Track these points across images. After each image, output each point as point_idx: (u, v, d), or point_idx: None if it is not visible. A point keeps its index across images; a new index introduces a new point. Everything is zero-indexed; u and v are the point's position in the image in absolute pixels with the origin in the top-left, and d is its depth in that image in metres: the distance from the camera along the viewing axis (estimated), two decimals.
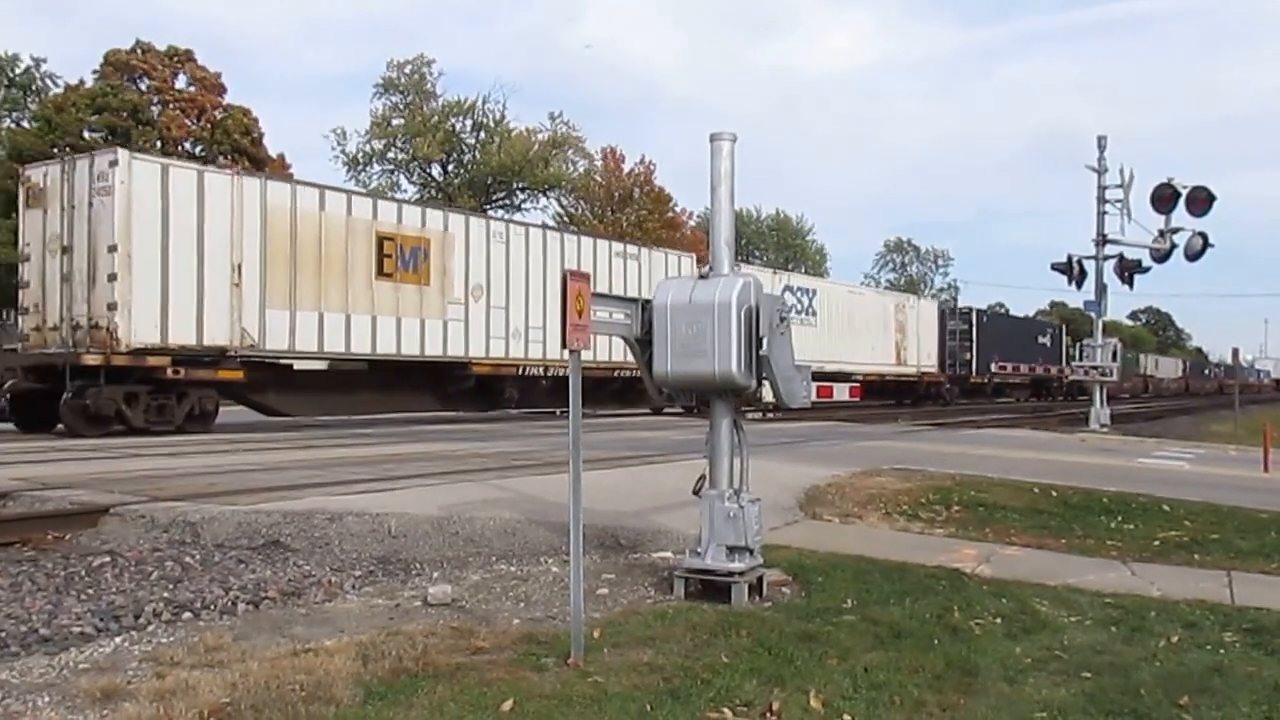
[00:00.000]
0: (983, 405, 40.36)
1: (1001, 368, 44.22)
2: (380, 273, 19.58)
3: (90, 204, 16.38)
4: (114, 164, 16.23)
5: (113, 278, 16.05)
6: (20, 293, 17.57)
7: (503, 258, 22.15)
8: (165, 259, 16.54)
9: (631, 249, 26.91)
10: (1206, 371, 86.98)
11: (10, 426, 17.59)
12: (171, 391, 17.02)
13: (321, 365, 20.05)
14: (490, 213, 27.04)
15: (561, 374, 21.47)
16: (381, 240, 19.72)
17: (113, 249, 16.06)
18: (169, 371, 16.67)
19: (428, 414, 22.39)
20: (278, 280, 17.98)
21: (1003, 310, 70.26)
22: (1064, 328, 54.28)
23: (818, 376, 31.52)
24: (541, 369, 22.67)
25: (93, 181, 16.42)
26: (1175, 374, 75.74)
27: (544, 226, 27.95)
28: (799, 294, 31.13)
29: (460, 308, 21.16)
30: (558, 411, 23.01)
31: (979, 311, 46.39)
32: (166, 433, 16.59)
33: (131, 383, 16.50)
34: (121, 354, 16.08)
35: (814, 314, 32.05)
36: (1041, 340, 48.63)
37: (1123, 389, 55.46)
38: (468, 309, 21.36)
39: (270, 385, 19.00)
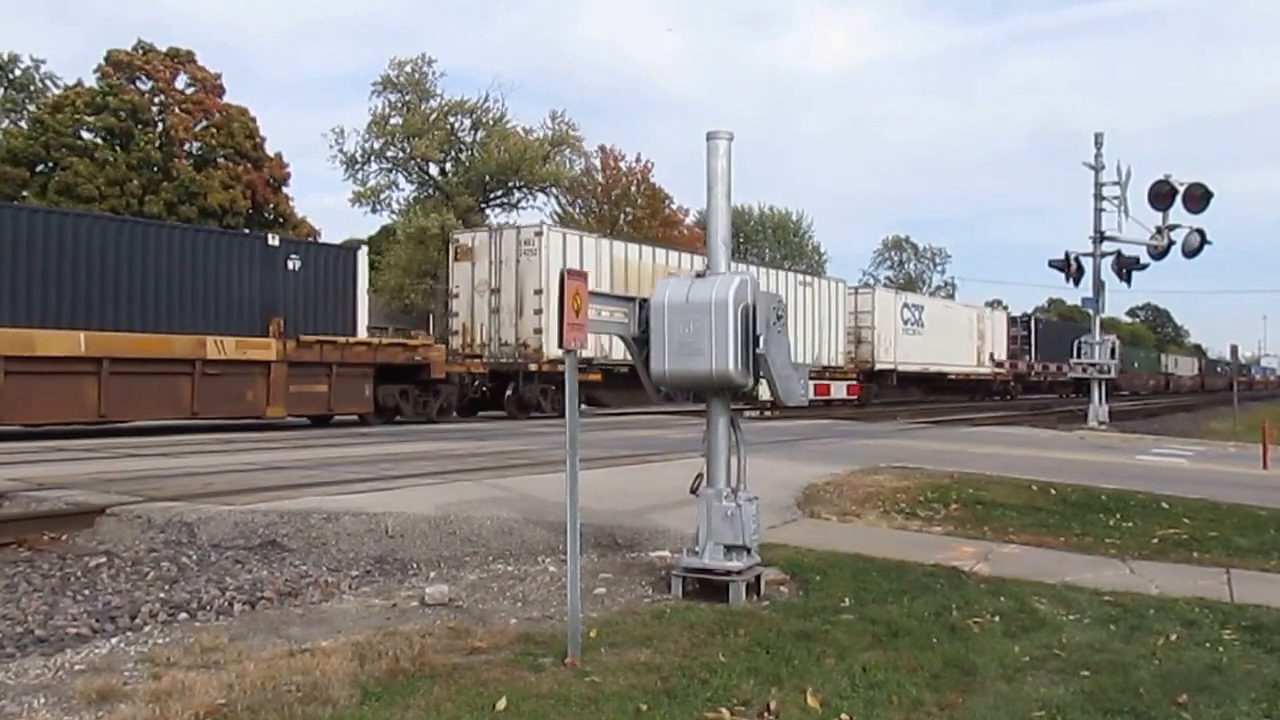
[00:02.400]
0: (1035, 400, 46.10)
1: (1047, 367, 49.96)
2: None
3: (517, 260, 24.50)
4: (539, 233, 24.67)
5: (538, 311, 23.73)
6: (450, 320, 26.15)
7: None
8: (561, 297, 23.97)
9: (808, 278, 34.83)
10: (1219, 369, 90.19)
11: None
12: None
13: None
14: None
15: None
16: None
17: (538, 291, 23.77)
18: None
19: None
20: None
21: (1002, 307, 71.03)
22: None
23: (925, 377, 39.52)
24: None
25: (519, 245, 24.62)
26: (1192, 372, 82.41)
27: (761, 264, 36.48)
28: (912, 309, 38.53)
29: None
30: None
31: (1036, 319, 54.20)
32: (553, 418, 22.77)
33: (544, 383, 24.17)
34: (545, 363, 23.82)
35: (922, 325, 38.77)
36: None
37: (1148, 385, 63.64)
38: None
39: (603, 384, 25.63)
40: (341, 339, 19.76)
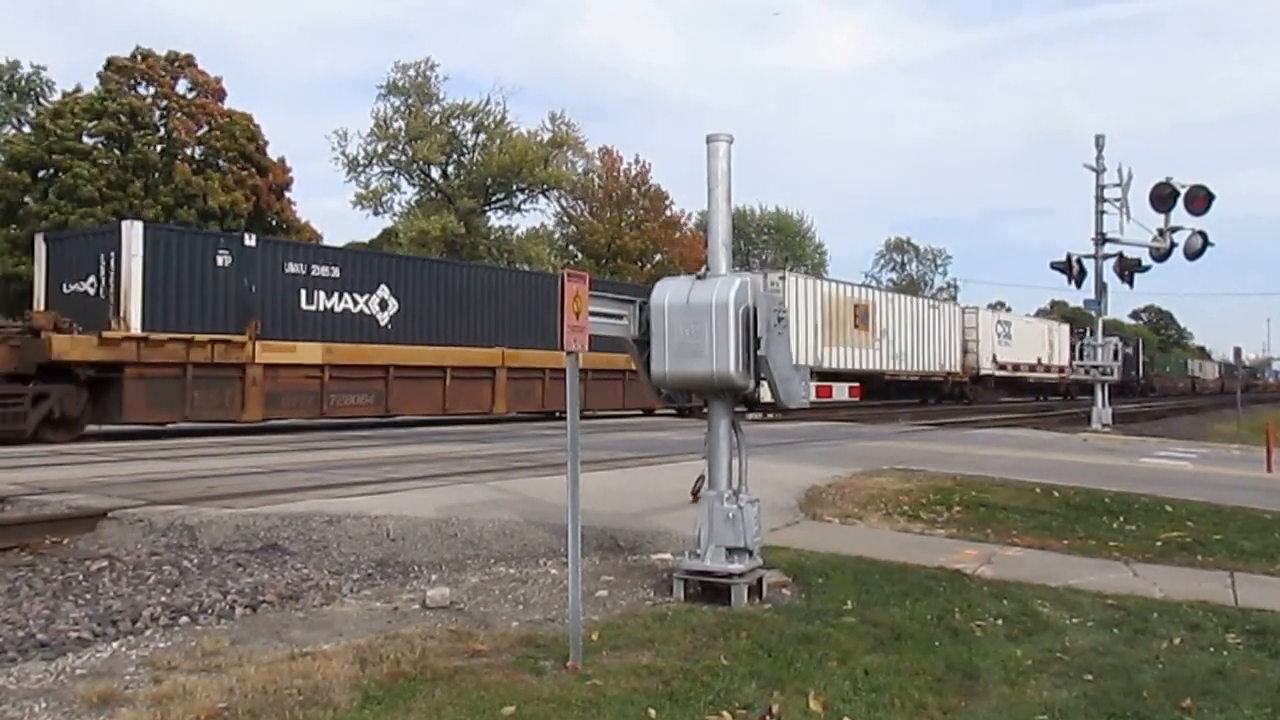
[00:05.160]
0: (1084, 401, 48.63)
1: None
2: (853, 326, 33.55)
3: None
4: (781, 278, 30.67)
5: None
6: None
7: (889, 313, 35.87)
8: (795, 326, 26.79)
9: (935, 303, 43.41)
10: (1237, 372, 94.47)
11: None
12: None
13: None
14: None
15: (914, 379, 38.03)
16: (854, 307, 33.90)
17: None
18: None
19: (429, 415, 22.55)
20: (824, 332, 31.92)
21: (1005, 308, 71.54)
22: (1140, 341, 69.10)
23: (1012, 380, 46.59)
24: (906, 375, 37.42)
25: (765, 286, 28.73)
26: (1214, 375, 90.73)
27: (899, 291, 42.95)
28: (1003, 325, 46.46)
29: (878, 342, 34.98)
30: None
31: (1091, 329, 56.69)
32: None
33: None
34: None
35: (1010, 338, 46.24)
36: (1127, 350, 61.09)
37: (1177, 387, 72.67)
38: (880, 343, 35.18)
39: None
40: None
